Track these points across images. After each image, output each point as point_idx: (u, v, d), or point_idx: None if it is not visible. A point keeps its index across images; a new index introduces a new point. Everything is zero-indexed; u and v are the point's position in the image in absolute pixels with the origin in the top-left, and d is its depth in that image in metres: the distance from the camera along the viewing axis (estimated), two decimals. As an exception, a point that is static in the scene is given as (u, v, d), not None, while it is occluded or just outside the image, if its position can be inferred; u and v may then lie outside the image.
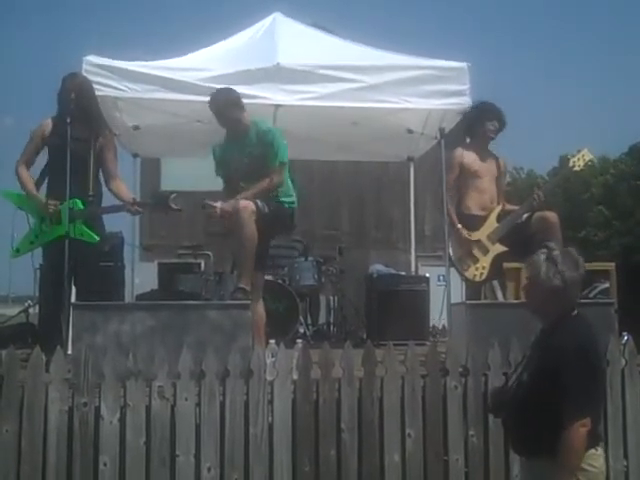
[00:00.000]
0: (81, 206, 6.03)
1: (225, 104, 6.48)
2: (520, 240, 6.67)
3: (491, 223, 6.88)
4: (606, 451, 5.19)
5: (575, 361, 3.51)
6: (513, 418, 3.72)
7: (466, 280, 6.91)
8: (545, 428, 3.52)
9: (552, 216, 6.76)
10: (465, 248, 6.83)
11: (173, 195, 6.10)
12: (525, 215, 6.84)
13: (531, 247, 6.88)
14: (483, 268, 6.80)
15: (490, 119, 7.04)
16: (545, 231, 6.67)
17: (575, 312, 3.72)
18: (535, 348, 3.80)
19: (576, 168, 6.95)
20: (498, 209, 6.95)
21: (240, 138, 6.55)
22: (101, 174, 6.31)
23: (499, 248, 6.77)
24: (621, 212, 29.91)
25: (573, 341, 3.59)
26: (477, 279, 6.84)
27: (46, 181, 6.29)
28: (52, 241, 6.06)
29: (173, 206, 6.05)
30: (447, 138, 7.69)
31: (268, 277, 8.63)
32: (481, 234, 6.85)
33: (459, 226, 6.85)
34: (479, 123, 7.08)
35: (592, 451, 3.54)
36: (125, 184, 6.52)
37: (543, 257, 3.72)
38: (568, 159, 7.09)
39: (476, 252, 6.82)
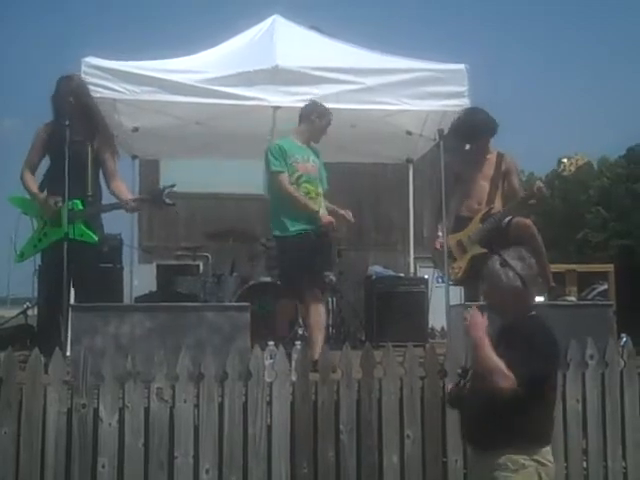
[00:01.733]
0: (80, 207, 6.03)
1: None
2: (499, 243, 6.64)
3: (475, 224, 6.88)
4: (605, 452, 5.26)
5: (534, 346, 3.64)
6: (478, 412, 3.76)
7: (446, 277, 6.94)
8: (509, 421, 3.62)
9: (524, 222, 6.71)
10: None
11: (166, 190, 6.12)
12: (508, 218, 6.80)
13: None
14: (459, 268, 6.83)
15: (491, 136, 7.06)
16: (521, 237, 6.64)
17: (533, 313, 3.84)
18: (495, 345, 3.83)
19: (565, 173, 6.94)
20: (484, 211, 6.93)
21: (309, 146, 6.65)
22: (102, 175, 6.32)
23: (478, 249, 6.75)
24: (619, 214, 29.98)
25: (537, 336, 3.72)
26: (453, 277, 6.87)
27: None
28: (54, 243, 6.07)
29: (167, 201, 6.08)
30: (446, 139, 7.69)
31: (267, 279, 8.65)
32: (463, 235, 6.88)
33: (439, 234, 6.93)
34: (476, 141, 7.06)
35: (547, 448, 3.69)
36: (125, 184, 6.50)
37: (498, 263, 3.84)
38: (563, 163, 7.02)
39: (455, 251, 6.86)
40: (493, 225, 6.78)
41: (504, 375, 3.54)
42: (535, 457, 3.63)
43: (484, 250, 6.67)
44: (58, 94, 6.22)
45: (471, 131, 7.03)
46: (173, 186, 6.18)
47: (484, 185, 7.01)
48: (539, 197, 6.78)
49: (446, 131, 7.61)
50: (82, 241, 5.97)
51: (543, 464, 3.64)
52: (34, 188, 6.19)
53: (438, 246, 6.88)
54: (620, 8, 70.54)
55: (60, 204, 5.96)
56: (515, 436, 3.62)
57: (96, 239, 6.05)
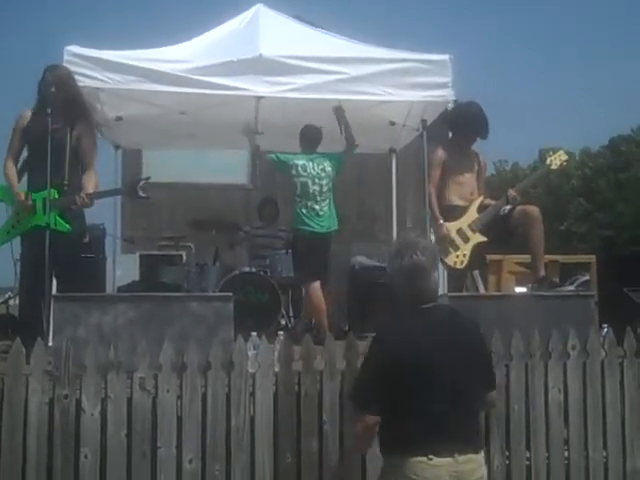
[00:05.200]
0: (56, 196, 6.00)
1: None
2: (502, 232, 6.80)
3: (472, 213, 6.97)
4: (586, 441, 5.29)
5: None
6: None
7: (447, 267, 6.96)
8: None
9: (534, 210, 6.89)
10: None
11: (142, 182, 6.09)
12: (507, 207, 6.91)
13: (513, 239, 7.02)
14: (464, 256, 6.87)
15: (481, 136, 7.15)
16: (527, 224, 6.79)
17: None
18: None
19: (553, 167, 7.11)
20: (479, 200, 7.04)
21: None
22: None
23: (479, 237, 6.86)
24: (601, 205, 30.14)
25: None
26: (458, 266, 6.91)
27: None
28: (28, 231, 6.04)
29: (140, 193, 6.04)
30: (429, 130, 7.71)
31: (250, 269, 8.65)
32: (462, 223, 6.93)
33: (441, 222, 6.91)
34: (465, 132, 7.14)
35: (419, 459, 3.46)
36: (97, 178, 6.35)
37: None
38: (546, 157, 7.22)
39: (457, 240, 6.89)
40: (491, 214, 6.90)
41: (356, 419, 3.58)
42: (398, 468, 3.50)
43: (485, 239, 6.78)
44: (42, 82, 6.20)
45: (461, 122, 7.13)
46: (148, 178, 6.19)
47: (472, 176, 7.12)
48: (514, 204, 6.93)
49: (430, 122, 7.66)
50: (55, 230, 5.94)
51: (406, 476, 3.47)
52: (14, 181, 6.17)
53: (445, 231, 6.91)
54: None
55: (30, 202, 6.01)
56: (380, 444, 3.64)
57: (69, 228, 6.00)
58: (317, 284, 7.49)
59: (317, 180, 7.59)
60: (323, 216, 7.61)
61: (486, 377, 3.78)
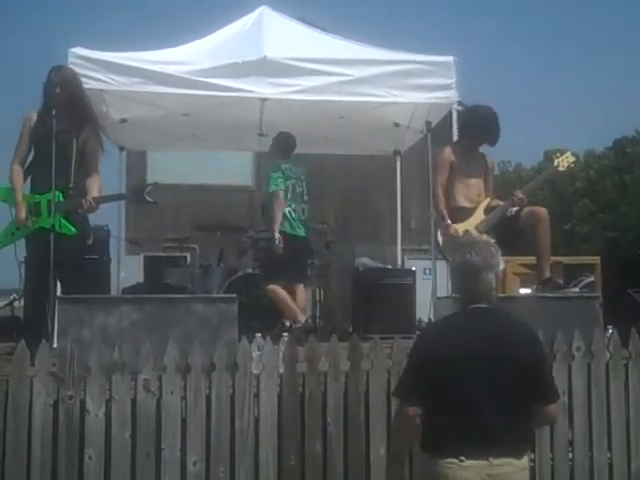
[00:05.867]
0: (61, 199, 6.00)
1: None
2: (509, 233, 6.78)
3: (479, 215, 6.96)
4: (590, 443, 5.28)
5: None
6: None
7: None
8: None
9: (542, 211, 6.89)
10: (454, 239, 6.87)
11: (148, 188, 6.12)
12: (515, 209, 6.90)
13: (520, 241, 7.01)
14: None
15: (490, 142, 7.16)
16: (534, 226, 6.79)
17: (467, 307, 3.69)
18: None
19: (560, 168, 7.06)
20: (486, 202, 7.04)
21: None
22: None
23: (486, 239, 6.81)
24: (605, 206, 30.09)
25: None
26: None
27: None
28: (32, 233, 6.05)
29: (148, 199, 6.06)
30: (434, 132, 7.70)
31: (254, 270, 8.64)
32: (469, 225, 6.91)
33: (449, 222, 6.90)
34: (474, 135, 7.15)
35: (450, 460, 3.44)
36: (100, 181, 6.35)
37: None
38: (553, 158, 7.18)
39: None
40: (499, 215, 6.91)
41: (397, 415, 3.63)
42: (430, 468, 3.51)
43: (493, 240, 6.75)
44: (47, 83, 6.20)
45: (471, 124, 7.15)
46: (155, 184, 6.22)
47: (479, 178, 7.12)
48: (522, 205, 6.92)
49: (434, 123, 7.65)
50: (61, 233, 5.94)
51: (437, 477, 3.48)
52: (18, 187, 6.15)
53: (453, 232, 6.89)
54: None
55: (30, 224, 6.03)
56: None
57: (74, 231, 6.01)
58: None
59: (300, 182, 7.81)
60: (304, 220, 7.81)
61: (538, 387, 3.58)
